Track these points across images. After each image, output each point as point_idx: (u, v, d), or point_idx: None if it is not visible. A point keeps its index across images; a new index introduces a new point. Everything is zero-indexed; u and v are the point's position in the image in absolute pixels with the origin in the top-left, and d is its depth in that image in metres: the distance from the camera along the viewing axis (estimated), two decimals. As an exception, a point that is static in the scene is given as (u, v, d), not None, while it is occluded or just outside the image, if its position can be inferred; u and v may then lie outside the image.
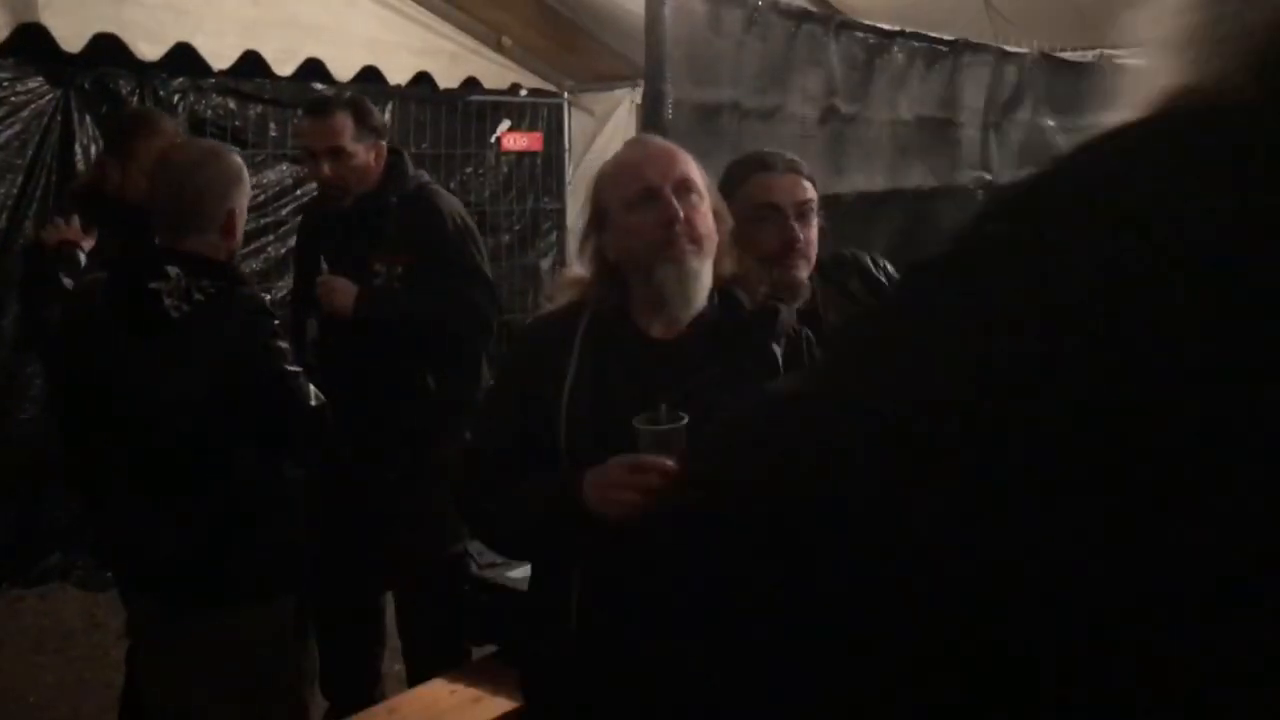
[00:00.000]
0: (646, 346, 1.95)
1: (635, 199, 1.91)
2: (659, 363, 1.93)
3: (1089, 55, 5.17)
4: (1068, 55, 4.83)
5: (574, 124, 7.33)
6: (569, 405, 1.92)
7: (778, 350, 1.97)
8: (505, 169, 7.11)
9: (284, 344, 2.55)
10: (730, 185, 2.32)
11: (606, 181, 1.99)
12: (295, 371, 2.53)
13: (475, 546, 3.95)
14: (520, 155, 7.18)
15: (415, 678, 3.55)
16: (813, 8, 3.23)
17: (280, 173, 5.88)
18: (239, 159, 2.66)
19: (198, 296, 2.43)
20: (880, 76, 3.57)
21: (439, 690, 3.10)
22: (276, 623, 2.57)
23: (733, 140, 2.88)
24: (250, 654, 2.52)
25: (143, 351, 2.45)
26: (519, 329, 2.25)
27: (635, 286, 1.97)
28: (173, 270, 2.44)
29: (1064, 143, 4.72)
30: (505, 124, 6.99)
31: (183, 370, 2.42)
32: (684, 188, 1.91)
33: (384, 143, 3.35)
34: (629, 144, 2.09)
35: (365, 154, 3.29)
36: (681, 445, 1.78)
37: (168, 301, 2.41)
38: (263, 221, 5.74)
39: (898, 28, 3.61)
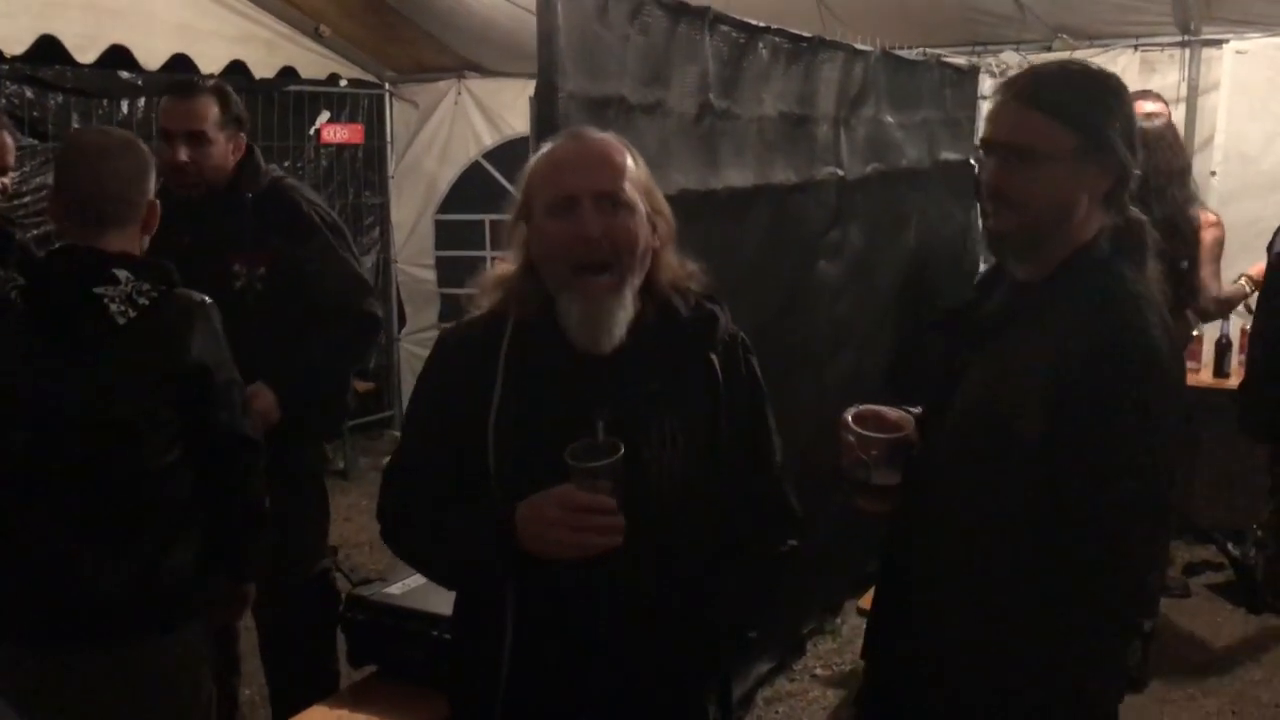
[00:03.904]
0: (577, 360, 1.82)
1: (554, 203, 1.77)
2: (591, 378, 1.81)
3: (913, 52, 5.35)
4: (901, 53, 4.96)
5: (396, 116, 7.13)
6: (496, 425, 1.79)
7: (715, 360, 1.90)
8: (325, 162, 6.86)
9: (226, 351, 2.39)
10: None
11: (535, 173, 1.84)
12: (239, 381, 2.41)
13: (347, 563, 3.78)
14: (340, 148, 6.94)
15: (282, 705, 3.35)
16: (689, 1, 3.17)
17: (84, 167, 5.47)
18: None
19: (142, 301, 2.22)
20: (748, 72, 3.56)
21: (322, 718, 2.92)
22: (192, 650, 2.39)
23: (621, 134, 2.80)
24: (170, 685, 2.36)
25: (81, 365, 2.22)
26: (440, 337, 2.06)
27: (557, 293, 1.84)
28: (122, 274, 2.22)
29: (901, 138, 4.86)
30: (324, 115, 6.74)
31: (131, 382, 2.23)
32: (607, 198, 1.77)
33: (243, 135, 3.16)
34: (567, 136, 1.92)
35: (225, 144, 3.13)
36: (619, 478, 1.69)
37: (114, 308, 2.18)
38: (67, 220, 5.33)
39: (762, 23, 3.61)
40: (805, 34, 3.89)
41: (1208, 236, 4.37)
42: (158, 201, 2.41)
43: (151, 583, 2.31)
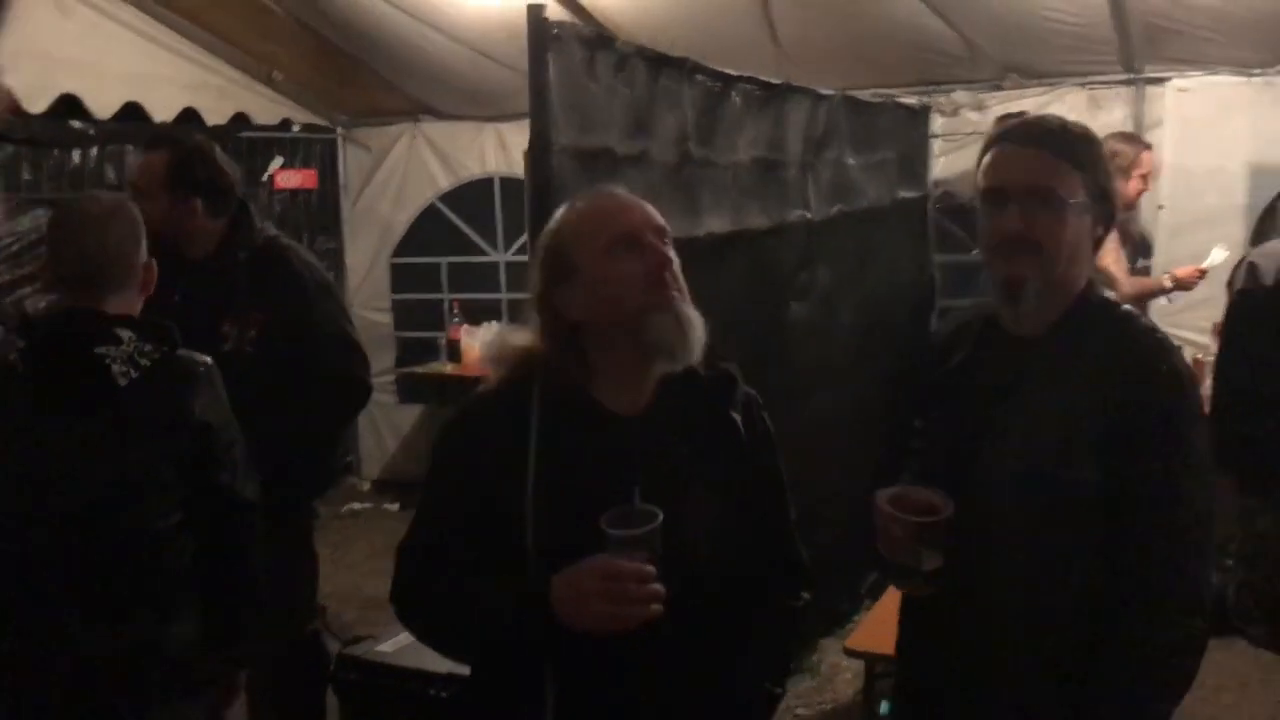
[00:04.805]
0: (611, 425, 1.82)
1: (615, 244, 1.77)
2: (625, 441, 1.80)
3: (866, 93, 5.44)
4: (855, 93, 5.05)
5: (349, 160, 7.08)
6: (535, 497, 1.75)
7: (737, 417, 1.90)
8: (278, 208, 6.78)
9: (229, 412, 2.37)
10: None
11: (573, 230, 1.82)
12: (241, 442, 2.38)
13: (337, 622, 3.73)
14: (294, 193, 6.88)
15: (270, 770, 3.28)
16: (668, 50, 3.22)
17: (36, 219, 5.34)
18: None
19: (144, 363, 2.19)
20: (723, 121, 3.61)
21: (318, 783, 2.88)
22: None
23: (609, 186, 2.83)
24: None
25: (82, 426, 2.17)
26: (460, 406, 2.00)
27: (602, 352, 1.82)
28: (125, 333, 2.19)
29: (862, 178, 4.94)
30: (278, 161, 6.68)
31: (133, 443, 2.19)
32: (662, 236, 1.81)
33: (199, 200, 3.06)
34: (592, 196, 1.92)
35: (165, 205, 3.02)
36: (657, 546, 1.66)
37: (115, 368, 2.15)
38: (18, 273, 5.23)
39: (736, 72, 3.67)
40: (774, 80, 3.95)
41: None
42: (154, 261, 2.39)
43: (150, 654, 2.25)
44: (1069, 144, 1.83)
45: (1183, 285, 4.86)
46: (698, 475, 1.82)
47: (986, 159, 1.88)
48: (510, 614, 1.73)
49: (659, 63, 3.18)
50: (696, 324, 1.78)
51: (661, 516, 1.66)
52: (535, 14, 2.62)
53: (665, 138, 3.24)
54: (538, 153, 2.65)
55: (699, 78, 3.48)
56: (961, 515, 1.79)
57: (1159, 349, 1.83)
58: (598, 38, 2.87)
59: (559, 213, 1.89)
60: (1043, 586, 1.80)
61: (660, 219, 1.84)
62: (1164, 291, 4.91)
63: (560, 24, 2.71)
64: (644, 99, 3.12)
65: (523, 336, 1.89)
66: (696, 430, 1.85)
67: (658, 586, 1.64)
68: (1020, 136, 1.85)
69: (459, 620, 1.82)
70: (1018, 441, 1.82)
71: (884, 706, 2.00)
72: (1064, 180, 1.79)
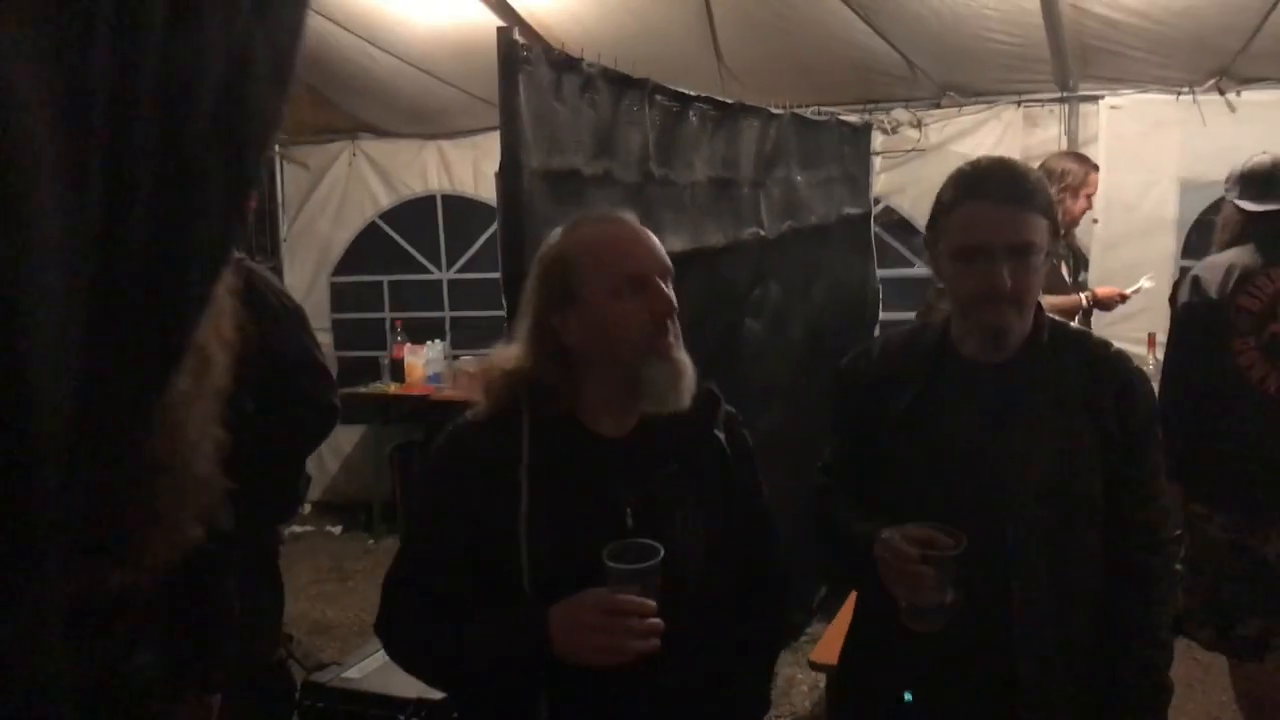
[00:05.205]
0: (600, 447, 1.83)
1: (622, 285, 1.76)
2: (617, 465, 1.82)
3: (809, 110, 5.51)
4: (803, 112, 5.11)
5: (287, 178, 7.00)
6: (529, 526, 1.75)
7: (721, 435, 1.93)
8: (216, 227, 6.67)
9: None
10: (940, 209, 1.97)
11: (580, 259, 1.79)
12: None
13: (301, 649, 3.66)
14: (231, 212, 6.76)
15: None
16: (629, 72, 3.23)
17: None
18: None
19: None
20: (681, 141, 3.63)
21: (286, 815, 2.83)
22: None
23: (575, 207, 2.83)
24: None
25: None
26: (446, 435, 1.97)
27: (592, 378, 1.83)
28: None
29: (809, 195, 5.00)
30: (214, 180, 6.56)
31: None
32: (668, 277, 1.82)
33: None
34: (604, 222, 1.89)
35: None
36: (657, 580, 1.67)
37: None
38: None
39: (694, 93, 3.69)
40: (728, 100, 3.98)
41: None
42: None
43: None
44: (1038, 195, 1.92)
45: (1101, 305, 4.84)
46: (686, 494, 1.85)
47: (962, 214, 1.92)
48: (506, 646, 1.73)
49: (622, 84, 3.19)
50: (689, 372, 1.80)
51: (663, 552, 1.67)
52: (505, 37, 2.61)
53: (627, 158, 3.25)
54: (509, 175, 2.65)
55: (658, 98, 3.50)
56: (973, 542, 1.81)
57: (1125, 360, 2.01)
58: (565, 60, 2.87)
59: (563, 231, 1.87)
60: (1064, 598, 1.89)
61: (667, 258, 1.83)
62: (1082, 311, 4.91)
63: (529, 46, 2.70)
64: (607, 120, 3.12)
65: (508, 360, 1.88)
66: (682, 450, 1.87)
67: (657, 621, 1.65)
68: (998, 195, 1.90)
69: (450, 653, 1.80)
70: (1023, 462, 1.90)
71: (907, 696, 2.02)
72: (1038, 232, 1.89)
